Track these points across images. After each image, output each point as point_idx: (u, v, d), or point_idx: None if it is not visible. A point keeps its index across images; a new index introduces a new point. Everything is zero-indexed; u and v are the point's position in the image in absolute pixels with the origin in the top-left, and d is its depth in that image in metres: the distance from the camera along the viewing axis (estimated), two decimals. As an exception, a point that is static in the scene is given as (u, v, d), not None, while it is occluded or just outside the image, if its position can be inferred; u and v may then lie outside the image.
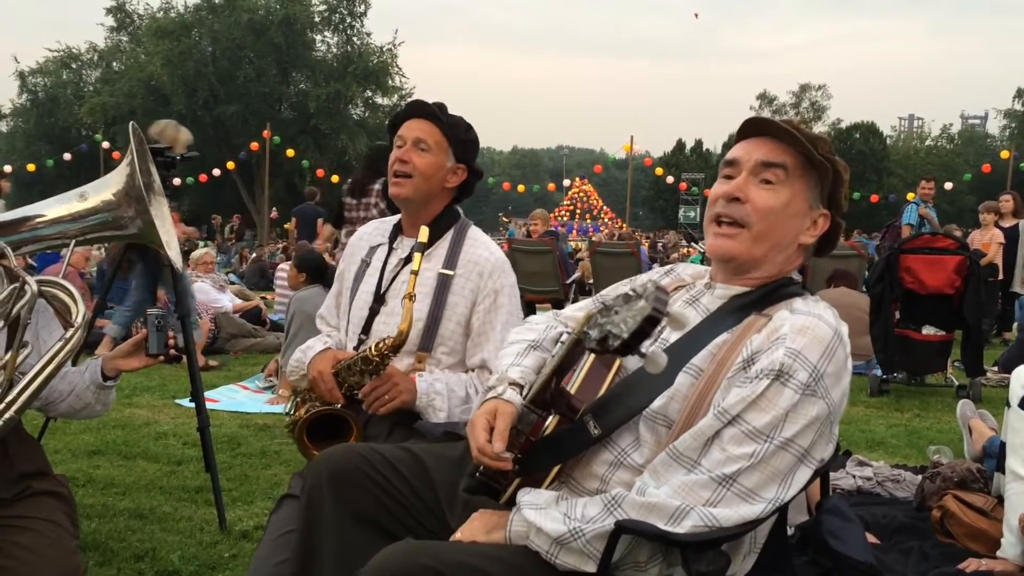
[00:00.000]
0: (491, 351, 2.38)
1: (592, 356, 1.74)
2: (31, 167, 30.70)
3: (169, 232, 2.49)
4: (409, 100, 2.55)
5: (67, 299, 2.11)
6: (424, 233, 2.32)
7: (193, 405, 3.58)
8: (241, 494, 3.74)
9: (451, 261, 2.45)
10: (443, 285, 2.42)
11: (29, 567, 2.06)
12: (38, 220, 2.31)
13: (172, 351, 2.42)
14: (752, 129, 1.73)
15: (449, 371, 2.42)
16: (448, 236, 2.50)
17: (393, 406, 2.30)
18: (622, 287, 2.00)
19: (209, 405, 3.95)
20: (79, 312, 2.07)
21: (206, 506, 3.55)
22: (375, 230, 2.65)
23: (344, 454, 1.87)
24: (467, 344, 2.43)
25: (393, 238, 2.56)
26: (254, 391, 6.28)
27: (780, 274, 1.73)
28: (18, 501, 2.21)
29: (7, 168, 34.51)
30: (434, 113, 2.47)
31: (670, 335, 1.72)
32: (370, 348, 2.31)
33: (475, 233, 2.54)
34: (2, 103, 46.34)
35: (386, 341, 2.29)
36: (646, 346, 1.40)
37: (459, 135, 2.49)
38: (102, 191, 2.30)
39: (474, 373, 2.41)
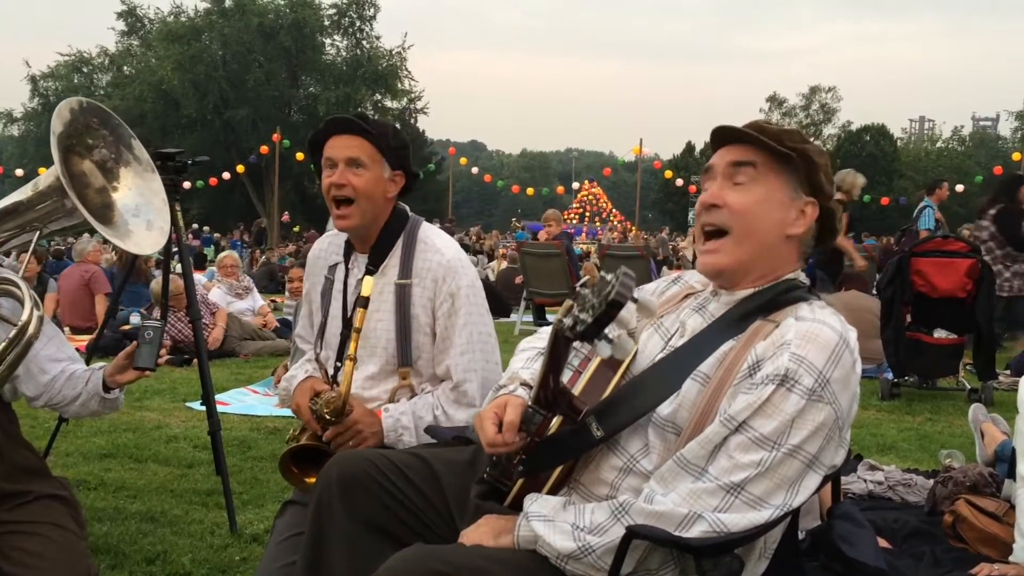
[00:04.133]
0: (453, 357, 2.33)
1: (599, 359, 1.75)
2: (42, 171, 30.83)
3: (157, 212, 2.37)
4: (328, 118, 2.42)
5: (18, 294, 2.07)
6: (368, 286, 2.21)
7: (204, 408, 3.59)
8: (252, 497, 3.75)
9: (406, 270, 2.38)
10: (402, 297, 2.36)
11: (39, 572, 2.06)
12: (2, 214, 2.26)
13: (163, 361, 2.41)
14: (723, 137, 1.75)
15: (434, 381, 2.38)
16: (399, 244, 2.41)
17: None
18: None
19: (219, 408, 3.96)
20: (26, 309, 2.02)
21: (217, 509, 3.56)
22: (330, 246, 2.57)
23: (354, 460, 1.87)
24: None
25: (348, 255, 2.49)
26: (264, 395, 6.29)
27: (779, 271, 1.71)
28: (22, 506, 2.21)
29: (19, 172, 34.86)
30: (360, 126, 2.33)
31: (677, 341, 1.72)
32: (321, 405, 2.26)
33: (425, 234, 2.44)
34: (14, 107, 46.63)
35: (328, 404, 2.23)
36: (615, 333, 1.41)
37: (390, 143, 2.37)
38: (49, 178, 2.22)
39: (439, 390, 2.36)
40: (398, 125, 2.46)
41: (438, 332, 2.36)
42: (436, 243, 2.42)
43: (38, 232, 2.24)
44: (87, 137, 2.30)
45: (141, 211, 2.34)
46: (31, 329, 2.01)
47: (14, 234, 2.27)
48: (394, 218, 2.43)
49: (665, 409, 1.62)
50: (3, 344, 2.02)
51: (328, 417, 2.25)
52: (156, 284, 7.67)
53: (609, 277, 1.38)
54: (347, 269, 2.47)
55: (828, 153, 1.75)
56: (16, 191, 2.28)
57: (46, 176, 2.21)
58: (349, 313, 2.41)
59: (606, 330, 1.41)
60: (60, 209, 2.20)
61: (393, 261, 2.40)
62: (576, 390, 1.70)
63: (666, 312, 1.82)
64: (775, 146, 1.67)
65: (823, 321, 1.59)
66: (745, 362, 1.59)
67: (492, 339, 2.42)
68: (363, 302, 2.22)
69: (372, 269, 2.40)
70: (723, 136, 1.75)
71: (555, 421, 1.67)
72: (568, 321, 1.43)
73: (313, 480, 2.25)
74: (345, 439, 2.27)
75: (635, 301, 1.38)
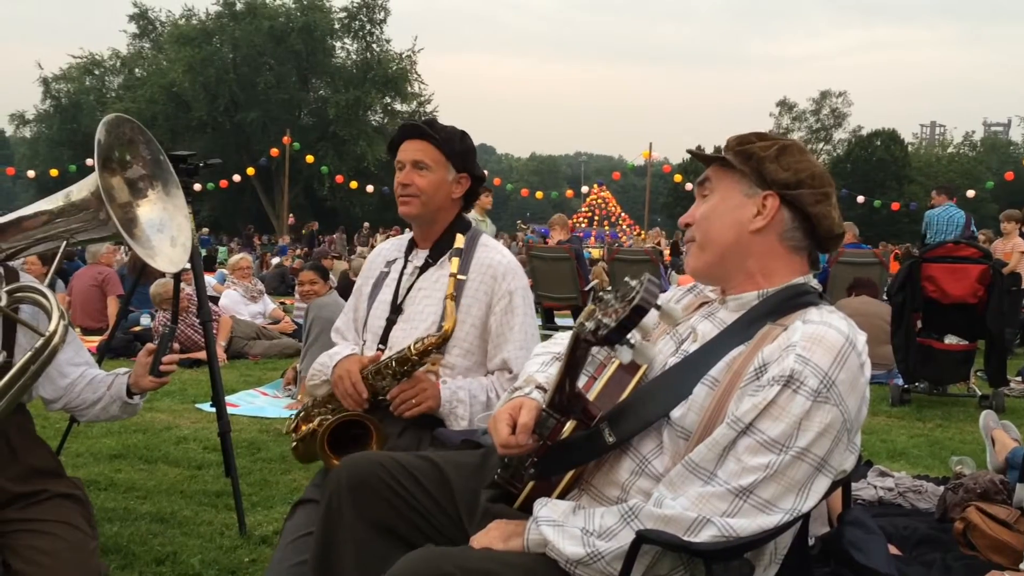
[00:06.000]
0: (511, 351, 2.44)
1: (615, 364, 1.75)
2: (54, 172, 31.05)
3: (180, 228, 2.39)
4: (402, 123, 2.63)
5: (46, 305, 2.08)
6: (460, 240, 2.40)
7: (214, 410, 3.61)
8: (261, 499, 3.76)
9: (464, 266, 2.48)
10: (456, 289, 2.44)
11: (50, 571, 2.08)
12: (28, 221, 2.26)
13: (171, 366, 2.43)
14: (704, 163, 1.85)
15: (466, 373, 2.46)
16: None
17: (419, 411, 2.34)
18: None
19: (229, 410, 3.97)
20: (53, 319, 2.02)
21: (226, 511, 3.57)
22: (392, 246, 2.72)
23: (363, 463, 1.88)
24: (487, 346, 2.48)
25: (409, 251, 2.63)
26: (273, 396, 6.32)
27: (776, 272, 1.72)
28: (35, 504, 2.22)
29: (30, 173, 35.05)
30: (426, 132, 2.51)
31: (690, 347, 1.72)
32: (409, 347, 2.34)
33: (486, 239, 2.60)
34: (26, 109, 46.87)
35: (426, 340, 2.32)
36: (636, 338, 1.42)
37: (455, 147, 2.53)
38: (83, 190, 2.23)
39: (494, 376, 2.46)
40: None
41: (493, 327, 2.47)
42: (497, 247, 2.60)
43: (64, 241, 2.24)
44: (126, 153, 2.32)
45: (165, 227, 2.35)
46: (56, 339, 2.02)
47: (38, 241, 2.28)
48: (458, 221, 2.59)
49: (676, 412, 1.62)
50: (30, 354, 2.02)
51: (416, 357, 2.31)
52: (156, 286, 7.69)
53: (633, 283, 1.39)
54: (406, 261, 2.60)
55: (787, 143, 1.77)
56: (45, 199, 2.29)
57: (80, 188, 2.22)
58: (399, 300, 2.52)
59: (628, 335, 1.41)
60: (92, 222, 2.21)
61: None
62: (591, 395, 1.71)
63: (681, 320, 1.83)
64: (702, 154, 1.80)
65: (830, 324, 1.59)
66: (752, 365, 1.59)
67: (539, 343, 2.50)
68: (457, 252, 2.39)
69: (432, 262, 2.55)
70: (702, 162, 1.88)
71: (568, 425, 1.67)
72: (590, 325, 1.44)
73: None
74: (408, 395, 2.34)
75: (659, 308, 1.38)
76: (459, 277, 2.43)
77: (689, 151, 1.90)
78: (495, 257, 2.52)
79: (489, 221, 10.00)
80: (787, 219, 1.72)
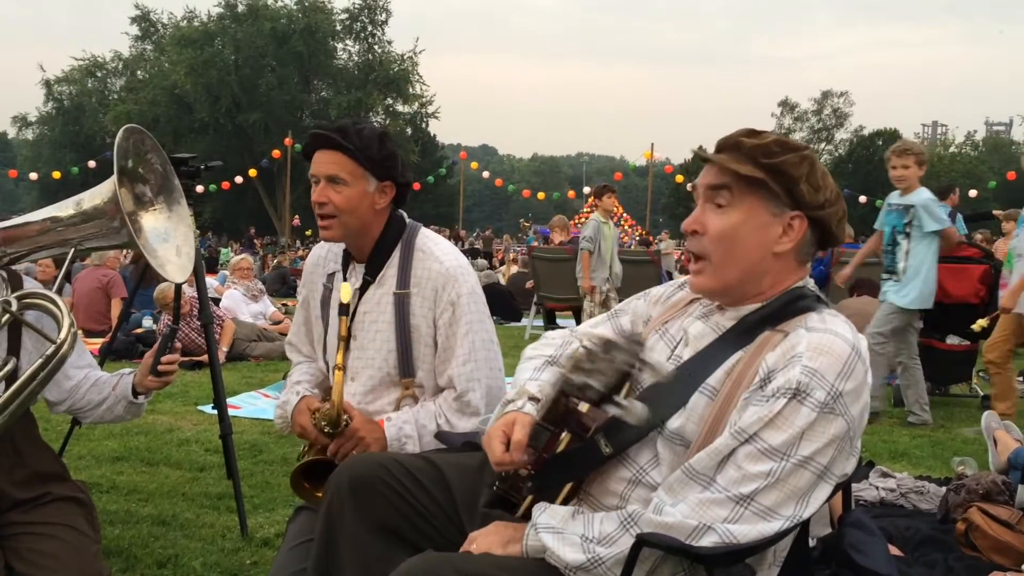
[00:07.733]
0: (455, 367, 2.30)
1: None
2: (56, 174, 31.15)
3: (184, 238, 2.40)
4: (312, 131, 2.37)
5: (56, 312, 2.08)
6: (346, 293, 2.24)
7: (215, 412, 3.61)
8: (262, 501, 3.76)
9: (403, 280, 2.35)
10: (401, 307, 2.33)
11: (52, 574, 2.08)
12: (37, 226, 2.26)
13: (171, 366, 2.43)
14: (703, 158, 1.71)
15: (431, 395, 2.36)
16: (396, 255, 2.38)
17: None
18: (636, 300, 1.98)
19: (230, 412, 3.97)
20: (64, 327, 2.03)
21: (228, 513, 3.57)
22: (329, 253, 2.53)
23: (364, 464, 1.88)
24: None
25: (346, 265, 2.45)
26: (275, 398, 6.31)
27: (783, 283, 1.68)
28: (39, 507, 2.23)
29: (33, 175, 35.12)
30: (338, 142, 2.27)
31: (683, 352, 1.70)
32: (319, 419, 2.26)
33: (423, 242, 2.40)
34: (28, 111, 47.05)
35: (324, 416, 2.24)
36: (622, 399, 1.42)
37: (372, 156, 2.29)
38: (95, 198, 2.23)
39: (441, 399, 2.34)
40: (394, 128, 2.43)
41: (439, 342, 2.33)
42: (434, 251, 2.38)
43: (73, 248, 2.24)
44: (140, 165, 2.31)
45: (170, 236, 2.35)
46: (66, 347, 2.03)
47: (45, 247, 2.28)
48: (390, 227, 2.39)
49: (673, 423, 1.61)
50: (40, 361, 2.03)
51: (326, 430, 2.25)
52: (160, 289, 7.70)
53: (621, 342, 1.38)
54: (345, 279, 2.43)
55: (813, 157, 1.68)
56: (54, 205, 2.29)
57: (92, 196, 2.21)
58: (349, 324, 2.38)
59: (616, 397, 1.42)
60: (104, 230, 2.21)
61: (391, 271, 2.37)
62: (584, 407, 1.70)
63: (672, 318, 1.80)
64: (739, 170, 1.63)
65: (834, 332, 1.57)
66: (757, 374, 1.57)
67: (494, 345, 2.39)
68: (344, 309, 2.24)
69: (370, 280, 2.37)
70: (703, 157, 1.71)
71: (564, 438, 1.66)
72: (577, 380, 1.45)
73: None
74: (348, 449, 2.25)
75: (645, 365, 1.38)
76: (400, 292, 2.33)
77: (705, 156, 1.70)
78: (434, 267, 2.34)
79: (611, 223, 9.61)
80: (808, 237, 1.67)
